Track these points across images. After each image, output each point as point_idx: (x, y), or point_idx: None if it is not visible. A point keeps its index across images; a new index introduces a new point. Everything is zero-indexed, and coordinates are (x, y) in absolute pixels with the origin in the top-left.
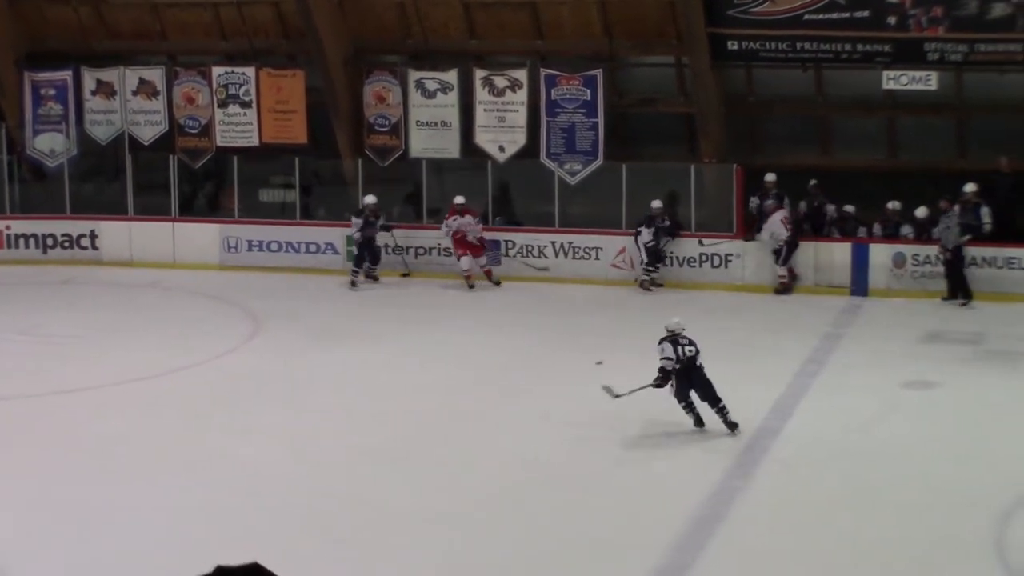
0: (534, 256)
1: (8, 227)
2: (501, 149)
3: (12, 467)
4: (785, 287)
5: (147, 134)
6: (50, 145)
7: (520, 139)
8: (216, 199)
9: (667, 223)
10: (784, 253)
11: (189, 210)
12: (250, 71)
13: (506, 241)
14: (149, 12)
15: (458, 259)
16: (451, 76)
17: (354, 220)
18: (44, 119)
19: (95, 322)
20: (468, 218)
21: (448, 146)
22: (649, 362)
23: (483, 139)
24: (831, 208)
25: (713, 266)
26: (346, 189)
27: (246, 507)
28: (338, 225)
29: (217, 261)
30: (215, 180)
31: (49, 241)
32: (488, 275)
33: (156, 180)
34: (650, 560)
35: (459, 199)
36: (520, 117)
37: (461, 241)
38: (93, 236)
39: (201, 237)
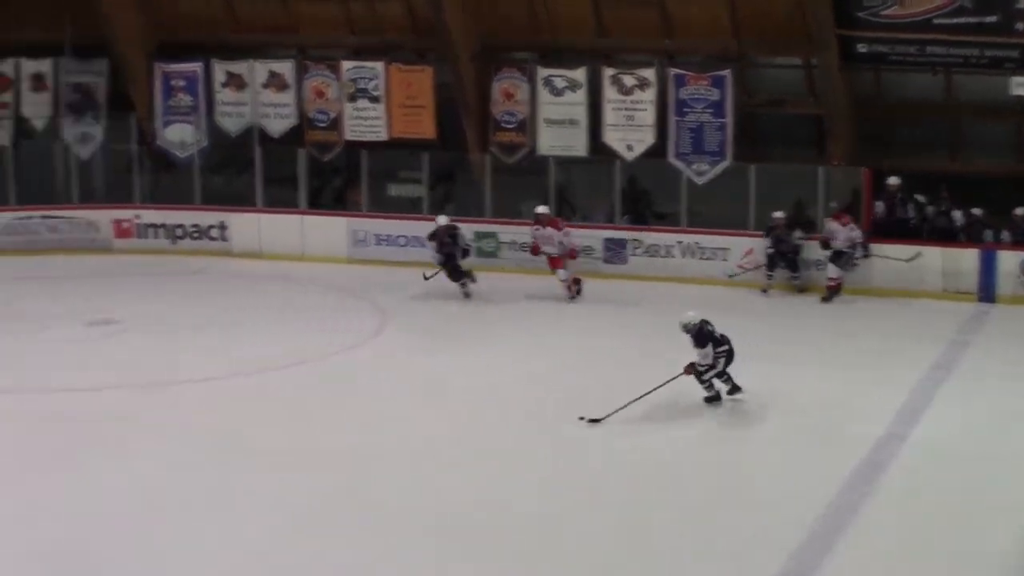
0: (661, 256)
1: (138, 216)
2: (629, 148)
3: (139, 456)
4: (832, 291)
5: (277, 127)
6: (180, 136)
7: (648, 138)
8: (344, 193)
9: (789, 237)
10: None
11: (317, 203)
12: (379, 66)
13: (633, 240)
14: (280, 6)
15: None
16: (579, 74)
17: (427, 244)
18: (174, 110)
19: (223, 313)
20: (549, 230)
21: (575, 144)
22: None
23: (611, 138)
24: (958, 214)
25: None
26: (474, 184)
27: (359, 503)
28: (466, 220)
29: (345, 255)
30: (344, 174)
31: (178, 232)
32: (568, 288)
33: (285, 173)
34: (775, 565)
35: (540, 208)
36: (648, 116)
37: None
38: (223, 227)
39: (329, 230)
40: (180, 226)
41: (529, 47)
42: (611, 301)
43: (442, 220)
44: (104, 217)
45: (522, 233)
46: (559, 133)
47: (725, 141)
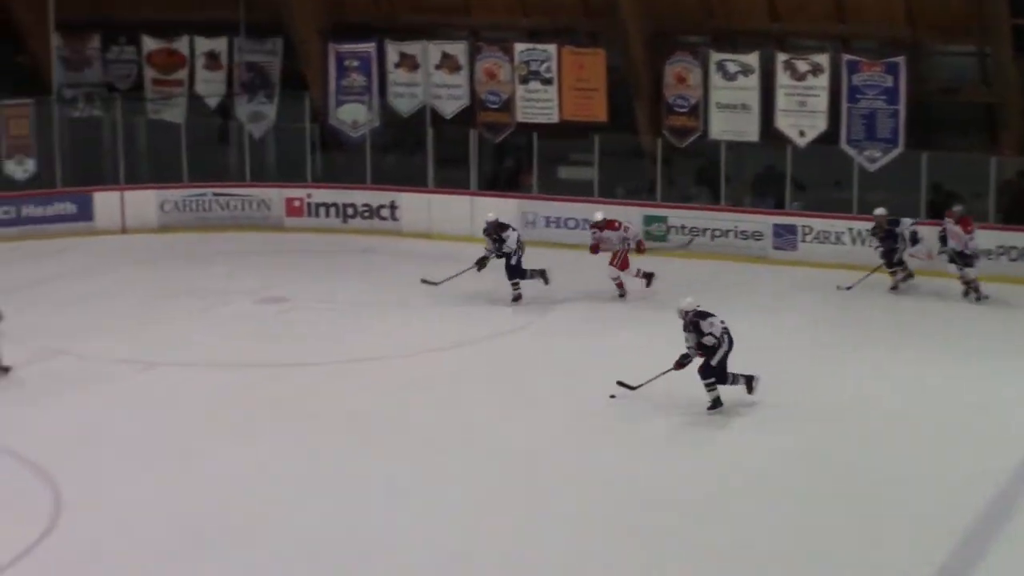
0: (831, 243)
1: (309, 195)
2: (801, 134)
3: (306, 433)
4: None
5: (449, 108)
6: (352, 116)
7: (820, 124)
8: (515, 174)
9: (892, 233)
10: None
11: (488, 185)
12: (552, 48)
13: (803, 227)
14: None
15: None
16: (752, 59)
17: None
18: (347, 90)
19: (391, 292)
20: (607, 232)
21: (747, 129)
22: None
23: (784, 123)
24: None
25: (1011, 259)
26: (645, 167)
27: (526, 488)
28: (635, 204)
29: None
30: (515, 155)
31: (349, 211)
32: (619, 286)
33: (456, 154)
34: (937, 557)
35: (598, 216)
36: (821, 102)
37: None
38: (393, 207)
39: (499, 212)
40: (351, 205)
41: (701, 31)
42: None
43: (489, 217)
44: (276, 195)
45: (691, 217)
46: (731, 118)
47: (897, 128)
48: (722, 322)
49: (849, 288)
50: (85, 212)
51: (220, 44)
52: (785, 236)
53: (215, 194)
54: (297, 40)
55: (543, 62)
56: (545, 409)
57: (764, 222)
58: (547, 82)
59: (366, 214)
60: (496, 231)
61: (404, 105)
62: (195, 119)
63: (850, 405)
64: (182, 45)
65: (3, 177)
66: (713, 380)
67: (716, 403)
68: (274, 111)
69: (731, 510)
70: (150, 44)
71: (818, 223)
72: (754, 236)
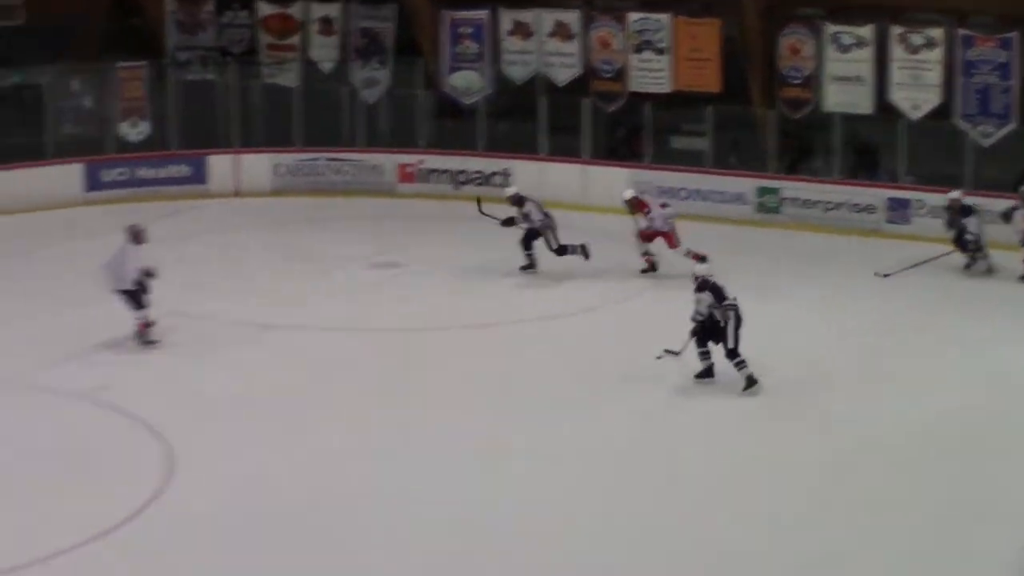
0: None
1: (422, 161)
2: (915, 107)
3: (421, 398)
4: None
5: (562, 76)
6: (465, 83)
7: (934, 98)
8: (627, 144)
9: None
10: None
11: (600, 154)
12: (665, 18)
13: (916, 200)
14: None
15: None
16: (867, 31)
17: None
18: (460, 57)
19: (500, 259)
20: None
21: (860, 101)
22: None
23: (897, 96)
24: None
25: None
26: (757, 139)
27: (652, 454)
28: (748, 175)
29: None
30: (627, 125)
31: (461, 177)
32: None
33: (568, 122)
34: None
35: (627, 193)
36: (935, 76)
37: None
38: (505, 174)
39: (611, 181)
40: (463, 172)
41: (816, 3)
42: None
43: (509, 191)
44: (389, 161)
45: (803, 189)
46: (844, 90)
47: (1011, 104)
48: (733, 298)
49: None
50: (199, 175)
51: (334, 9)
52: (899, 210)
53: (328, 159)
54: (411, 7)
55: (656, 32)
56: (669, 374)
57: (878, 195)
58: (660, 52)
59: (478, 181)
60: (518, 204)
61: (517, 73)
62: (309, 84)
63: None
64: (296, 10)
65: (117, 139)
66: (741, 359)
67: (751, 381)
68: (388, 77)
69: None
70: (264, 9)
71: (931, 198)
72: (867, 210)
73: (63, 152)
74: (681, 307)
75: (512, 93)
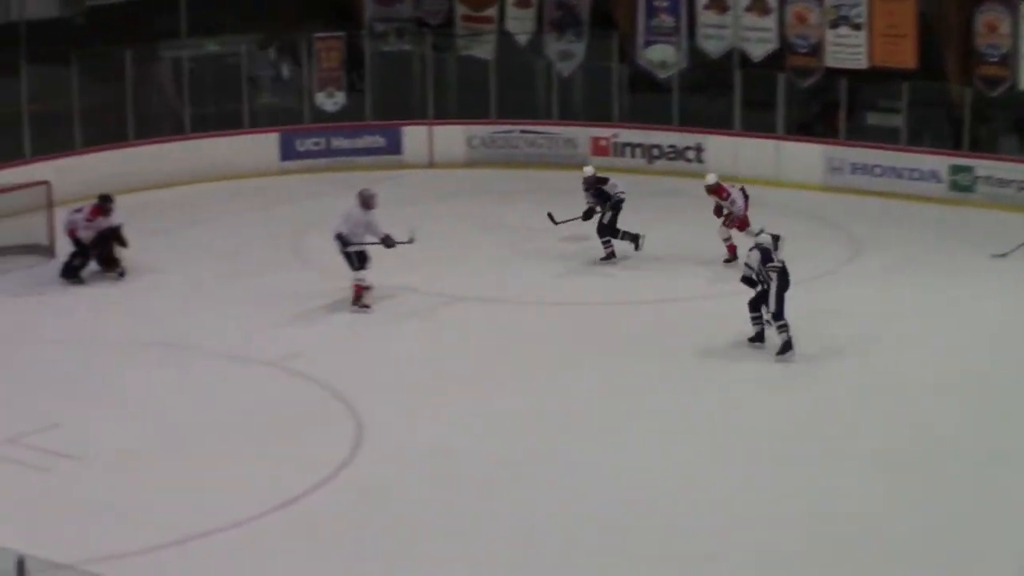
0: None
1: (616, 135)
2: None
3: (600, 369)
4: None
5: (757, 51)
6: (661, 56)
7: None
8: (822, 119)
9: None
10: None
11: (794, 129)
12: None
13: None
14: None
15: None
16: None
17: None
18: (656, 30)
19: (689, 236)
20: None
21: None
22: None
23: None
24: None
25: None
26: (952, 116)
27: (813, 432)
28: (941, 153)
29: (820, 182)
30: (822, 100)
31: (655, 151)
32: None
33: (763, 97)
34: None
35: (710, 178)
36: None
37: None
38: (699, 149)
39: (805, 157)
40: (656, 146)
41: None
42: None
43: (588, 171)
44: (582, 134)
45: (999, 168)
46: None
47: None
48: (780, 262)
49: (1004, 255)
50: (394, 145)
51: None
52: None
53: (522, 131)
54: None
55: (853, 7)
56: (861, 355)
57: None
58: (856, 27)
59: (671, 155)
60: (595, 185)
61: (713, 47)
62: (504, 56)
63: None
64: None
65: (314, 109)
66: (783, 323)
67: (786, 347)
68: (583, 50)
69: None
70: None
71: None
72: None
73: (259, 121)
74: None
75: (707, 67)
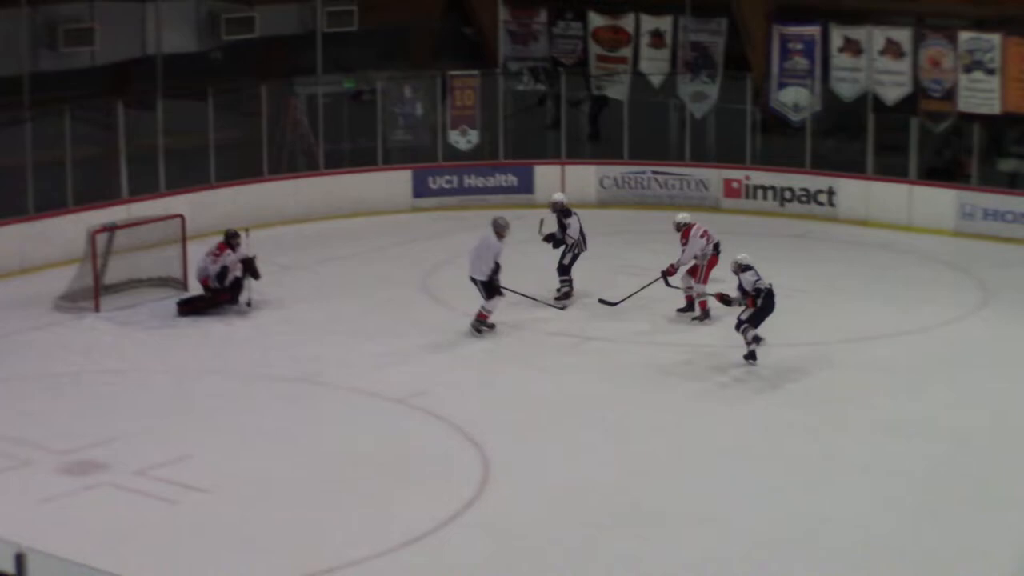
0: None
1: (747, 177)
2: None
3: (743, 410)
4: None
5: (891, 94)
6: (794, 99)
7: None
8: (955, 164)
9: None
10: None
11: (926, 174)
12: (996, 38)
13: None
14: None
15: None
16: None
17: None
18: (789, 73)
19: (822, 278)
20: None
21: None
22: None
23: None
24: None
25: None
26: None
27: (964, 479)
28: None
29: (952, 227)
30: (955, 145)
31: (786, 194)
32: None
33: (896, 141)
34: None
35: (681, 216)
36: None
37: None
38: (830, 192)
39: (937, 202)
40: (788, 189)
41: None
42: None
43: (558, 197)
44: (714, 176)
45: None
46: None
47: None
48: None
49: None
50: (526, 184)
51: (665, 23)
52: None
53: (654, 172)
54: (742, 21)
55: (987, 52)
56: (985, 404)
57: None
58: (990, 72)
59: (803, 198)
60: (559, 214)
61: (846, 90)
62: (637, 96)
63: None
64: (628, 23)
65: (447, 146)
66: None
67: (750, 356)
68: (716, 91)
69: None
70: (596, 20)
71: None
72: None
73: (392, 158)
74: None
75: (840, 110)
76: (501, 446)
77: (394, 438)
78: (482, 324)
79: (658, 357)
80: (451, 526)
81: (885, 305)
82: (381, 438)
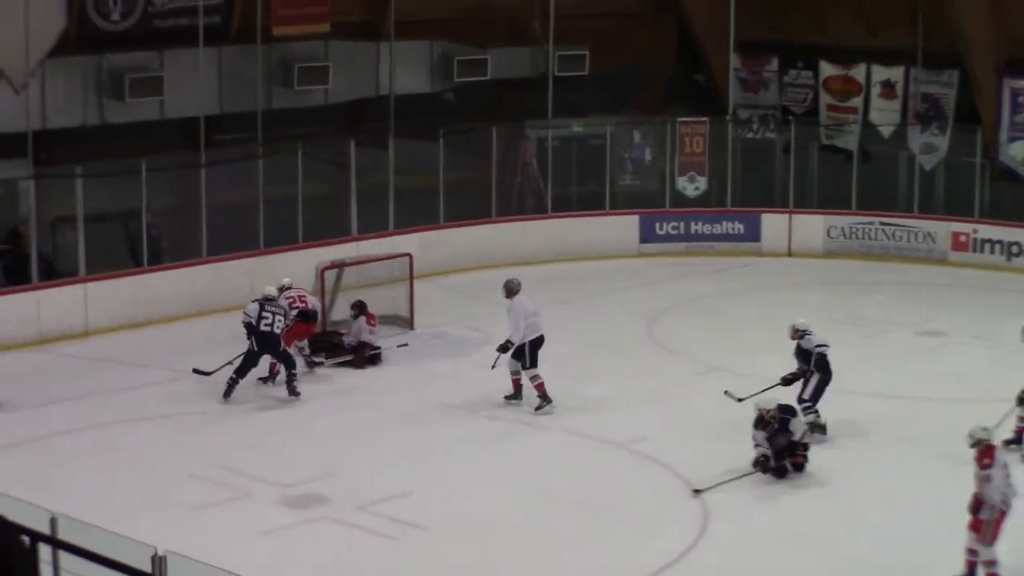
0: None
1: (975, 231)
2: None
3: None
4: None
5: None
6: (1022, 153)
7: None
8: None
9: None
10: None
11: None
12: None
13: None
14: None
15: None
16: None
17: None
18: (1020, 126)
19: None
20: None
21: None
22: None
23: None
24: None
25: None
26: None
27: None
28: None
29: None
30: None
31: (1014, 248)
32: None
33: None
34: None
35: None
36: None
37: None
38: None
39: None
40: (1016, 243)
41: None
42: None
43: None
44: (942, 228)
45: None
46: None
47: None
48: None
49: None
50: (752, 232)
51: (897, 73)
52: None
53: (881, 223)
54: (973, 73)
55: None
56: None
57: None
58: None
59: None
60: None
61: None
62: (867, 146)
63: None
64: (859, 72)
65: (674, 192)
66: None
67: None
68: (946, 143)
69: None
70: (827, 70)
71: None
72: None
73: (619, 203)
74: None
75: None
76: (719, 493)
77: (613, 482)
78: (543, 400)
79: (863, 408)
80: (669, 571)
81: None
82: (600, 481)
